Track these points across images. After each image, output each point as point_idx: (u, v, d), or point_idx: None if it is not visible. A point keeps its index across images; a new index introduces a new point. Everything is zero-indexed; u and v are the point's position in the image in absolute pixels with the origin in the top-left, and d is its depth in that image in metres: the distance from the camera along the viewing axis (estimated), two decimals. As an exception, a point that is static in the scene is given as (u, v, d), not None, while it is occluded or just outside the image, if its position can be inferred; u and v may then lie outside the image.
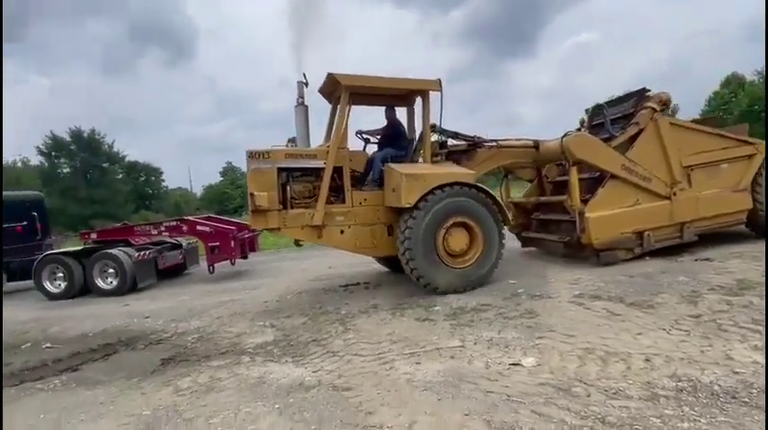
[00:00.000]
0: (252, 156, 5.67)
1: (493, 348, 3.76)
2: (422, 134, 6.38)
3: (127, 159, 42.52)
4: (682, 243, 6.62)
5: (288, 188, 5.84)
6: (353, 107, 6.22)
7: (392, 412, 2.80)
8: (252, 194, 5.54)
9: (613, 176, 6.40)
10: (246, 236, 9.56)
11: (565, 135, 6.51)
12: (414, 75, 6.93)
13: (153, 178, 46.29)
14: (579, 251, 6.70)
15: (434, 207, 5.55)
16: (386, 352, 3.94)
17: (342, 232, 5.90)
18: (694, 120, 7.99)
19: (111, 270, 8.51)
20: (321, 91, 6.46)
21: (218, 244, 8.82)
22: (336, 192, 6.01)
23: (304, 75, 6.06)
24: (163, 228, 9.38)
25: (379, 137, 6.82)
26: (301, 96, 6.12)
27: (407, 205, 5.47)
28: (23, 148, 67.20)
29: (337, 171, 5.90)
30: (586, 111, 7.26)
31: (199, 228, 9.07)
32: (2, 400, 3.12)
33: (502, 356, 3.57)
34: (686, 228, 6.63)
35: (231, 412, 3.01)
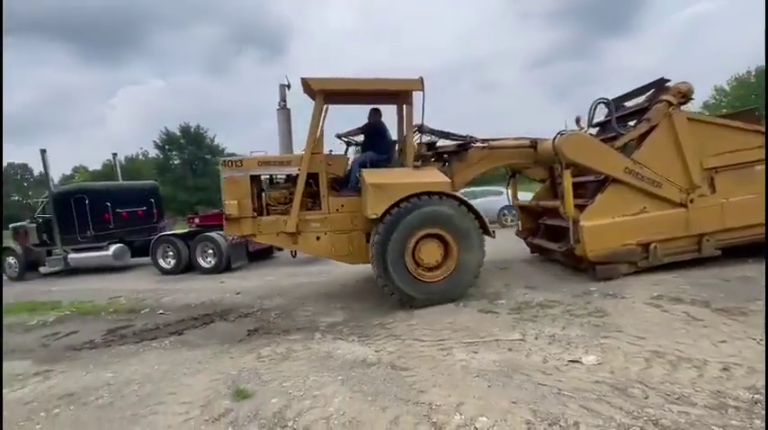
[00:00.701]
0: (225, 164, 5.66)
1: (554, 344, 3.74)
2: (405, 136, 5.96)
3: (226, 151, 46.87)
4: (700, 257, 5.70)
5: (264, 195, 5.83)
6: (350, 107, 6.17)
7: (443, 393, 2.97)
8: (223, 203, 5.56)
9: (615, 180, 5.67)
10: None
11: (559, 133, 5.79)
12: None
13: (248, 169, 50.53)
14: (577, 262, 6.06)
15: (403, 218, 5.15)
16: (446, 339, 4.10)
17: (318, 238, 5.73)
18: (726, 115, 6.73)
19: (210, 250, 9.71)
20: (305, 92, 6.09)
21: (300, 231, 9.57)
22: (314, 198, 5.84)
23: (286, 77, 5.95)
24: (253, 215, 10.36)
25: (361, 138, 6.44)
26: (283, 99, 5.97)
27: (374, 216, 5.17)
28: (144, 143, 77.40)
29: (313, 177, 5.72)
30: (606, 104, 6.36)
31: (283, 215, 9.89)
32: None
33: (561, 352, 3.55)
34: (705, 240, 5.70)
35: (301, 379, 3.42)
